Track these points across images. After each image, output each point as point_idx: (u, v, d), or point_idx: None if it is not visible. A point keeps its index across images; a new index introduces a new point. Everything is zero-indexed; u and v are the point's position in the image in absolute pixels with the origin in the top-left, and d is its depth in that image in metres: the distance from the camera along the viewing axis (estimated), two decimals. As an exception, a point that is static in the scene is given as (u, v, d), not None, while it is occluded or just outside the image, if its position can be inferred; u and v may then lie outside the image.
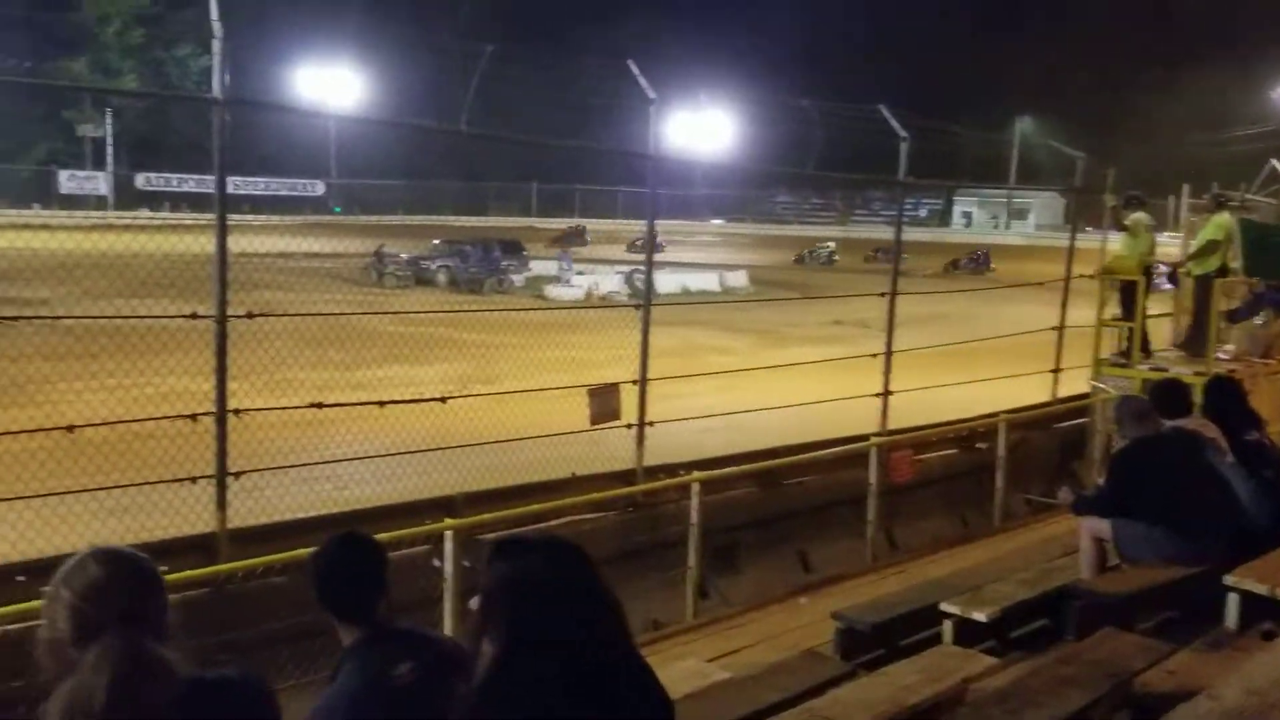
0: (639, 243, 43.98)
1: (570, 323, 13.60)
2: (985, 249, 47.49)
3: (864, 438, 9.85)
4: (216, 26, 5.98)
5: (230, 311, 6.36)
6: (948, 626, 5.12)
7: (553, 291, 30.80)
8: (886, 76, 55.92)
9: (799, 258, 47.40)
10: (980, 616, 5.08)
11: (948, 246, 45.34)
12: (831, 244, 49.08)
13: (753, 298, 31.13)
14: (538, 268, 34.89)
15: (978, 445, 11.27)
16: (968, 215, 71.44)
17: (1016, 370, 12.43)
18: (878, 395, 10.92)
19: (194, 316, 6.47)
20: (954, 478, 11.02)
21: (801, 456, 9.44)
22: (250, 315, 6.43)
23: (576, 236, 45.75)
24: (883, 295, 11.19)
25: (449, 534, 6.43)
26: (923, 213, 62.66)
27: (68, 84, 51.62)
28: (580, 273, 33.41)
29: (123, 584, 2.03)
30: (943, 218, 67.31)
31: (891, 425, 10.70)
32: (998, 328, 14.16)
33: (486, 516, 6.88)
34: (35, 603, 4.60)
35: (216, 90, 5.95)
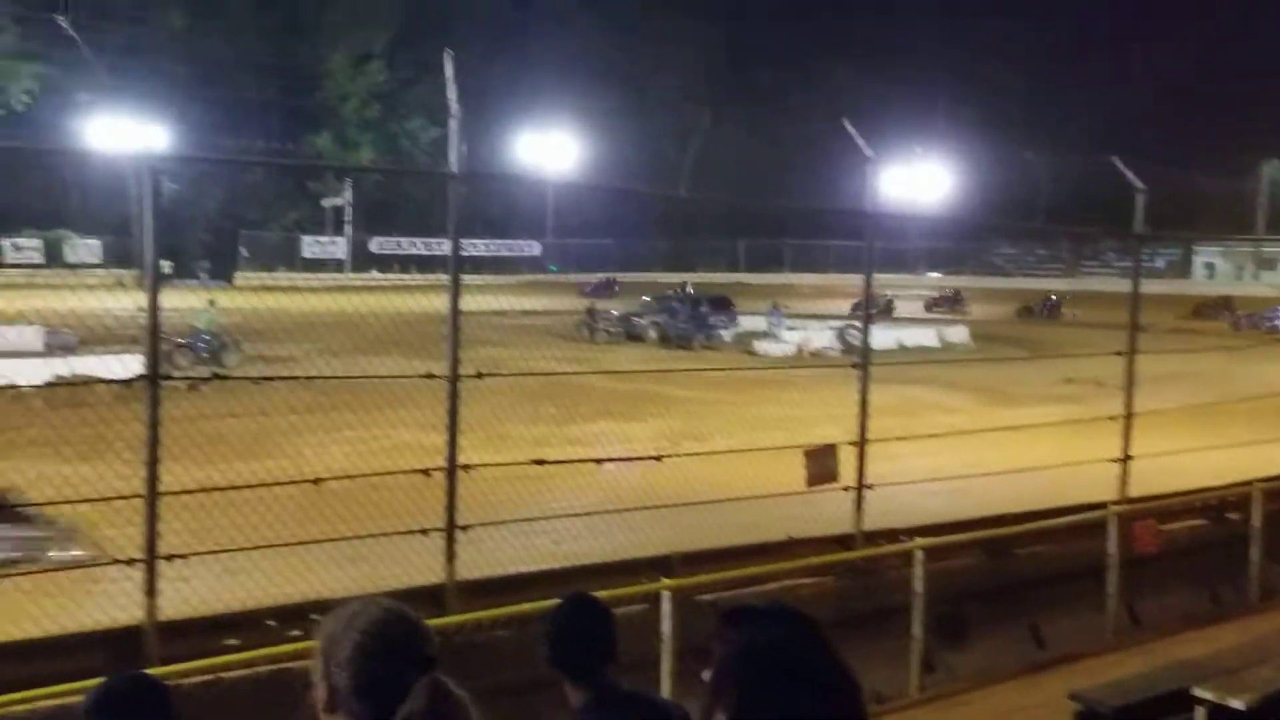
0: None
1: (782, 379, 13.50)
2: (1056, 296, 46.23)
3: (1102, 505, 9.23)
4: (455, 107, 6.27)
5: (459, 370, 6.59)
6: (1200, 713, 4.69)
7: (763, 347, 30.67)
8: (1115, 122, 53.50)
9: (1027, 309, 45.63)
10: (1238, 704, 4.62)
11: (1187, 299, 42.53)
12: (1055, 296, 47.11)
13: (975, 355, 30.00)
14: (747, 323, 34.87)
15: (1229, 515, 10.38)
16: (1210, 266, 66.85)
17: (1273, 435, 11.42)
18: (1117, 460, 10.24)
19: (429, 377, 6.74)
20: (1203, 550, 10.16)
21: (1033, 524, 8.93)
22: (479, 375, 6.65)
23: (605, 288, 45.16)
24: (1119, 354, 10.53)
25: (666, 594, 6.39)
26: (1159, 263, 59.08)
27: (327, 163, 55.81)
28: (791, 328, 33.17)
29: (405, 631, 2.09)
30: (1182, 268, 63.20)
31: (1132, 492, 10.00)
32: (1249, 388, 13.09)
33: (703, 578, 6.81)
34: (286, 646, 4.86)
35: (453, 164, 6.24)
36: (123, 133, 40.98)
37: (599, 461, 8.37)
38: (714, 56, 61.68)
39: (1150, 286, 12.69)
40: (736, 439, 9.57)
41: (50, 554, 8.64)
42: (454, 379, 6.21)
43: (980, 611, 8.70)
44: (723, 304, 35.54)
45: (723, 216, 56.57)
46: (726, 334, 32.92)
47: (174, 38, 46.95)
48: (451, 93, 6.47)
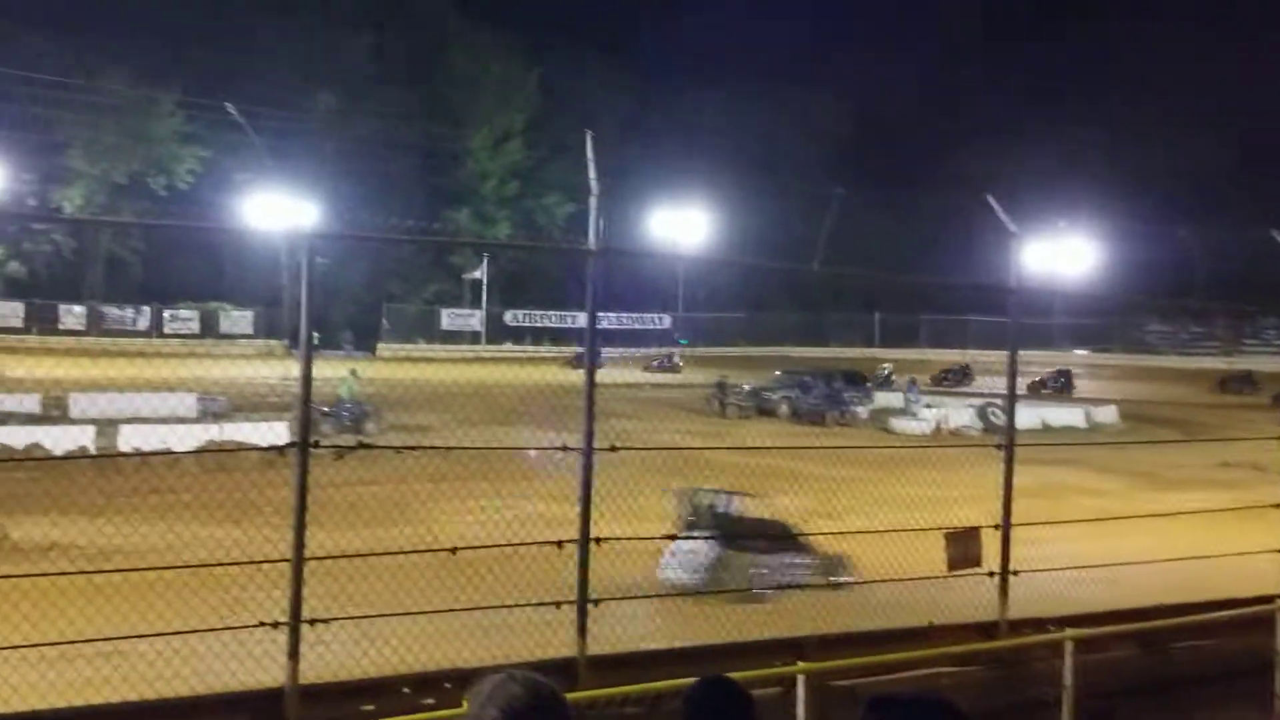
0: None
1: (919, 458, 13.13)
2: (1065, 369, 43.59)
3: (1269, 599, 8.64)
4: (595, 184, 6.41)
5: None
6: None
7: (899, 424, 30.05)
8: (1270, 192, 51.26)
9: (1224, 382, 43.99)
10: None
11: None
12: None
13: (1124, 436, 28.72)
14: (882, 399, 34.27)
15: None
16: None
17: None
18: (1280, 551, 9.61)
19: (564, 449, 6.79)
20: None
21: (1192, 617, 8.40)
22: (613, 449, 6.66)
23: (667, 363, 45.93)
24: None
25: (800, 678, 6.21)
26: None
27: (475, 240, 57.94)
28: (928, 405, 32.44)
29: (543, 707, 2.08)
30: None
31: (1300, 585, 9.33)
32: None
33: (840, 662, 6.60)
34: (420, 716, 4.89)
35: (592, 241, 6.35)
36: (278, 210, 43.26)
37: (732, 538, 8.24)
38: (846, 130, 61.73)
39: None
40: (872, 519, 9.32)
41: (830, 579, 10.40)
42: (588, 451, 6.24)
43: (1134, 708, 8.20)
44: (856, 379, 35.07)
45: (857, 290, 56.05)
46: (861, 410, 32.37)
47: (326, 120, 49.48)
48: (592, 171, 6.60)
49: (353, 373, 26.17)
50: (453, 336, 54.35)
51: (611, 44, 59.14)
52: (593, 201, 6.52)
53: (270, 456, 18.58)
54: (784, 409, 32.05)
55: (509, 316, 56.91)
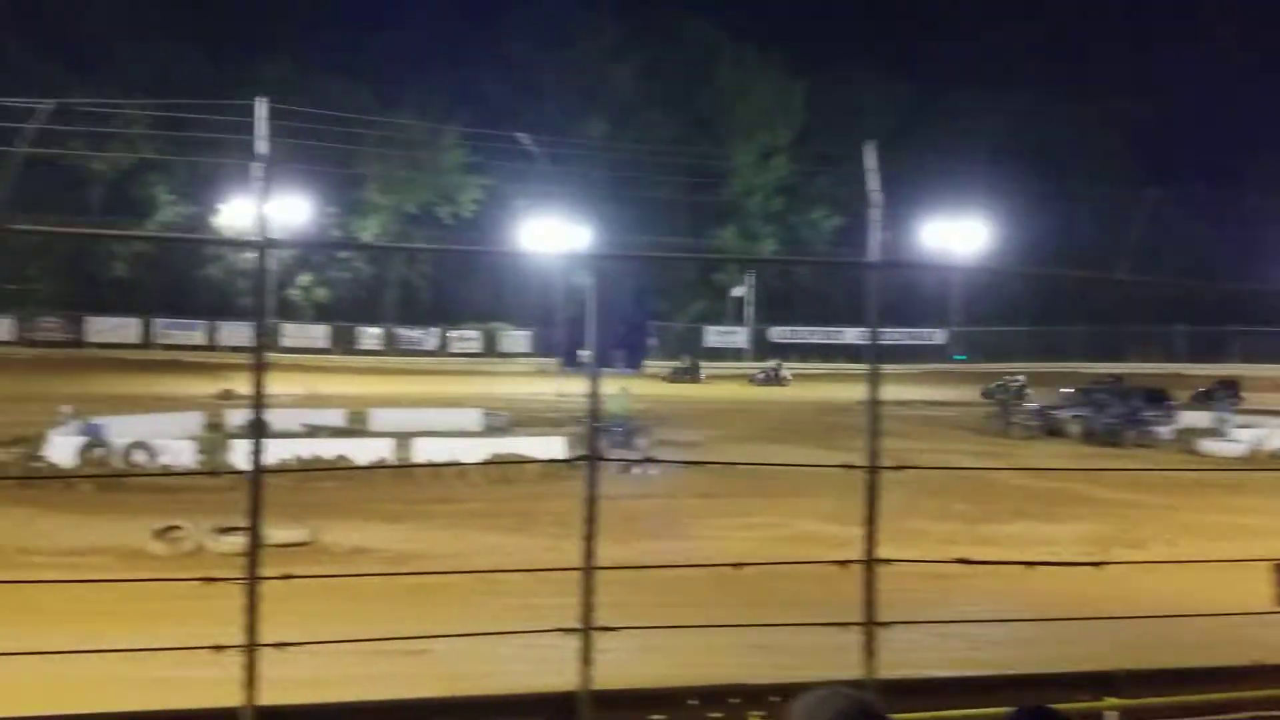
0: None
1: (1232, 483, 12.02)
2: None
3: None
4: (875, 196, 6.24)
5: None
6: None
7: (1209, 446, 27.55)
8: None
9: None
10: None
11: None
12: None
13: None
14: (1188, 418, 31.56)
15: None
16: None
17: None
18: None
19: (847, 467, 6.62)
20: None
21: None
22: (898, 467, 6.42)
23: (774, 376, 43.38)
24: None
25: (1112, 715, 5.75)
26: None
27: (769, 258, 58.69)
28: (1243, 425, 29.60)
29: None
30: None
31: None
32: None
33: (1156, 700, 6.06)
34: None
35: (873, 254, 6.18)
36: (553, 233, 45.31)
37: (1029, 564, 7.77)
38: (1142, 132, 57.56)
39: None
40: (1180, 548, 8.56)
41: None
42: (872, 469, 6.03)
43: None
44: (1157, 397, 32.35)
45: (1157, 301, 52.01)
46: (1164, 430, 29.91)
47: (597, 145, 51.37)
48: (872, 183, 6.44)
49: (623, 390, 26.90)
50: (717, 353, 54.85)
51: (878, 53, 58.01)
52: (873, 214, 6.35)
53: (548, 470, 19.39)
54: (1075, 428, 30.13)
55: (774, 332, 56.84)
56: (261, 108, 5.39)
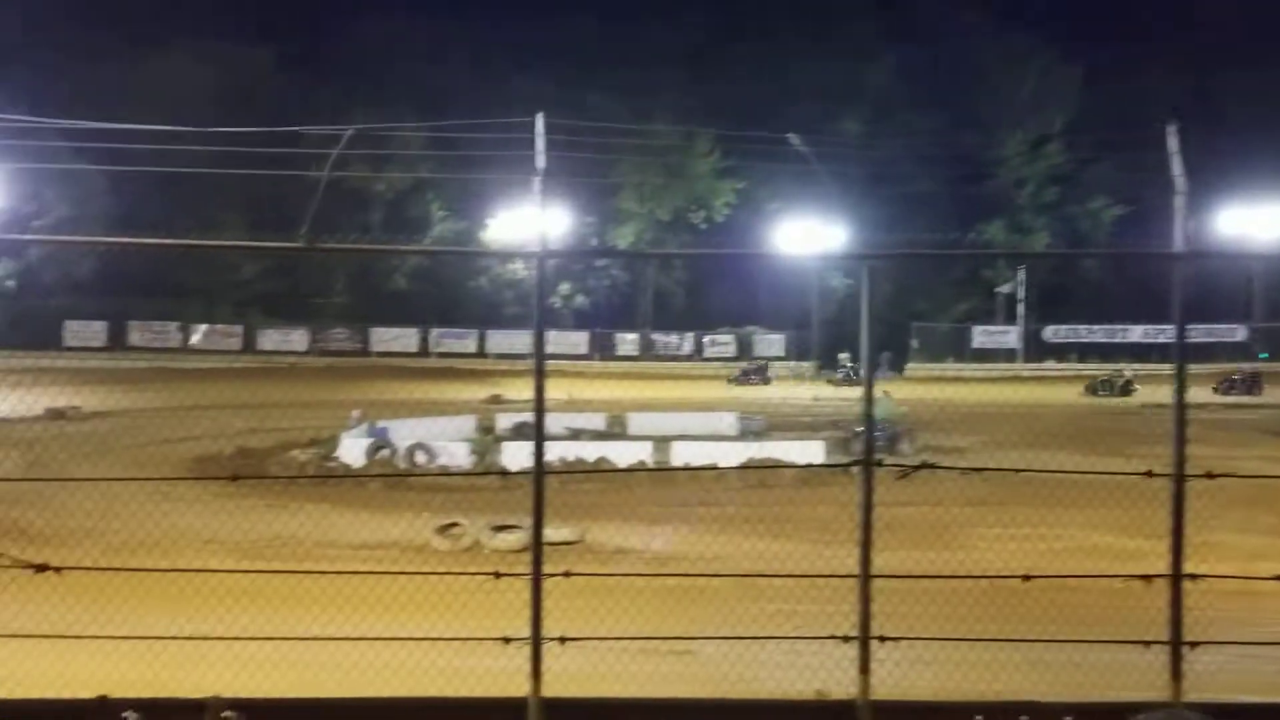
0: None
1: None
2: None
3: None
4: (1180, 181, 5.78)
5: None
6: None
7: None
8: None
9: None
10: None
11: None
12: None
13: None
14: None
15: None
16: None
17: None
18: None
19: (1149, 475, 6.12)
20: None
21: None
22: (1210, 475, 5.87)
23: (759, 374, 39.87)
24: None
25: None
26: None
27: (1064, 250, 56.39)
28: None
29: None
30: None
31: None
32: None
33: None
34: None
35: (1178, 243, 5.71)
36: (808, 235, 44.81)
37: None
38: None
39: None
40: None
41: None
42: (1179, 477, 5.53)
43: None
44: None
45: None
46: None
47: (852, 144, 50.38)
48: (1176, 166, 5.95)
49: (885, 393, 26.23)
50: (986, 355, 52.51)
51: (1162, 29, 53.75)
52: (1178, 200, 5.87)
53: (805, 475, 19.11)
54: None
55: (1049, 331, 53.77)
56: (540, 123, 5.58)
